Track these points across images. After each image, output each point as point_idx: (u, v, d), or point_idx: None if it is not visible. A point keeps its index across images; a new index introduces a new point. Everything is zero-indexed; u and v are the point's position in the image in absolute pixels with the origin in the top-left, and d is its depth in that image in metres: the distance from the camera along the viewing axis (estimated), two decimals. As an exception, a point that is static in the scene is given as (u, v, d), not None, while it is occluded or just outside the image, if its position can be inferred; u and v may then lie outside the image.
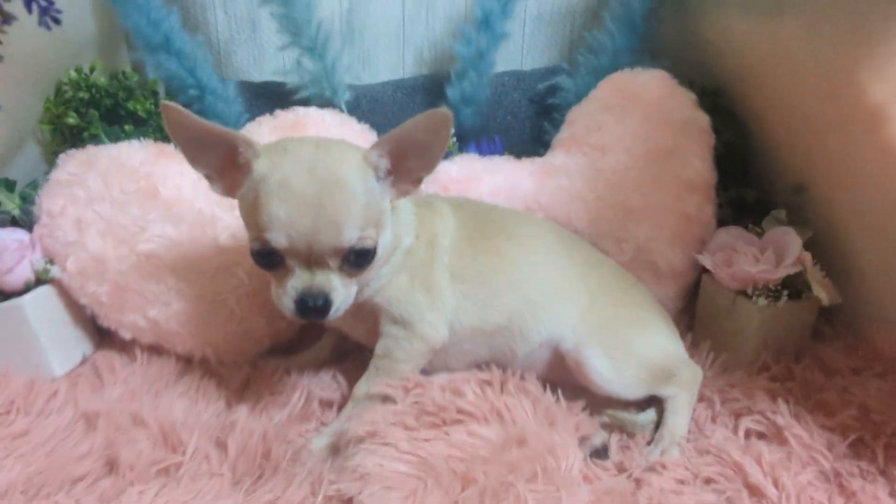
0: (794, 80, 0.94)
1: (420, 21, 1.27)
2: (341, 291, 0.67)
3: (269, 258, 0.66)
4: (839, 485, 0.69)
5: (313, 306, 0.66)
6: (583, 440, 0.74)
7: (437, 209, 0.83)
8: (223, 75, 1.17)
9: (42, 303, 0.85)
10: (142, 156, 0.89)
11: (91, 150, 0.90)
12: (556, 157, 1.00)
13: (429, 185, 0.98)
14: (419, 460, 0.65)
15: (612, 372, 0.77)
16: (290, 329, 0.91)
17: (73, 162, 0.88)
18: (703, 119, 0.97)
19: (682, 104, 0.97)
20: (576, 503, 0.62)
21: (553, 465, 0.65)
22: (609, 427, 0.78)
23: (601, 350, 0.78)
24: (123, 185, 0.85)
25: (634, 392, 0.79)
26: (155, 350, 0.89)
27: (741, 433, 0.77)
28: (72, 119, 1.00)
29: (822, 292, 0.85)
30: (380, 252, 0.71)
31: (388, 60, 1.29)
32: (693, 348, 0.93)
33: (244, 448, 0.70)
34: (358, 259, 0.67)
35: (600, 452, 0.74)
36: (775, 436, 0.76)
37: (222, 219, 0.86)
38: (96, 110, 1.02)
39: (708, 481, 0.70)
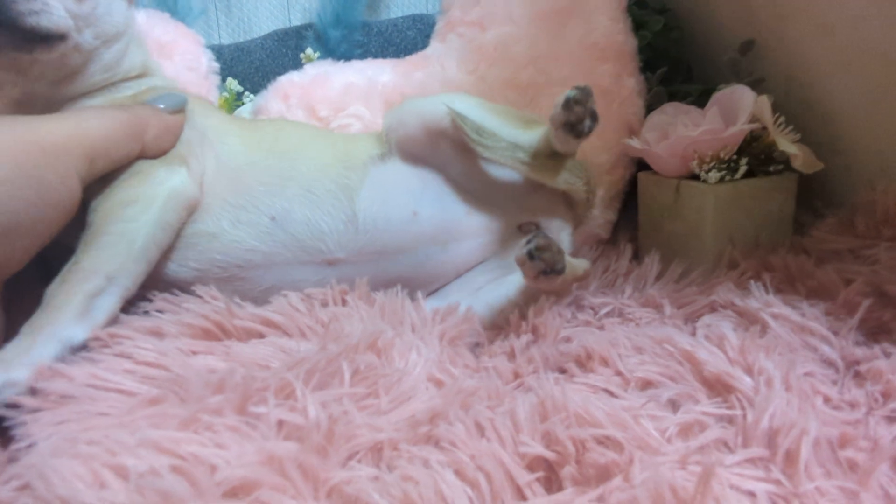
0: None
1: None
2: None
3: None
4: (854, 373, 0.43)
5: None
6: (451, 342, 0.49)
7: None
8: None
9: None
10: None
11: None
12: (429, 49, 0.79)
13: (269, 95, 0.76)
14: (166, 375, 0.40)
15: None
16: None
17: None
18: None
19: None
20: (402, 410, 0.36)
21: (374, 362, 0.40)
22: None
23: None
24: None
25: None
26: None
27: (700, 333, 0.51)
28: None
29: (792, 146, 0.62)
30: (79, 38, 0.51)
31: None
32: (636, 264, 0.68)
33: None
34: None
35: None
36: (749, 324, 0.50)
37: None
38: None
39: (644, 385, 0.44)
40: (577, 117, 0.51)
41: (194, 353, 0.42)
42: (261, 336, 0.46)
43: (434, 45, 0.79)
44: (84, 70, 0.53)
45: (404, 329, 0.47)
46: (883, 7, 0.60)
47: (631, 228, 0.75)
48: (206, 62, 0.77)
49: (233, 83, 0.90)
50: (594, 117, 0.52)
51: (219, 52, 0.98)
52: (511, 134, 0.57)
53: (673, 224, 0.67)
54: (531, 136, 0.57)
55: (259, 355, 0.42)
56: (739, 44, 0.73)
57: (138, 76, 0.57)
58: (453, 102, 0.57)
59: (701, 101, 0.75)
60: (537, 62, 0.70)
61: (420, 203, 0.57)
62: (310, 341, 0.45)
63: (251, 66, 0.99)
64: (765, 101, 0.63)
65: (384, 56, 1.01)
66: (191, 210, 0.52)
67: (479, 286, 0.58)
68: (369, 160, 0.59)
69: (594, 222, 0.72)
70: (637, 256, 0.70)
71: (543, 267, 0.49)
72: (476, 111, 0.58)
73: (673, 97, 0.81)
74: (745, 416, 0.38)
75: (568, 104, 0.51)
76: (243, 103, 0.89)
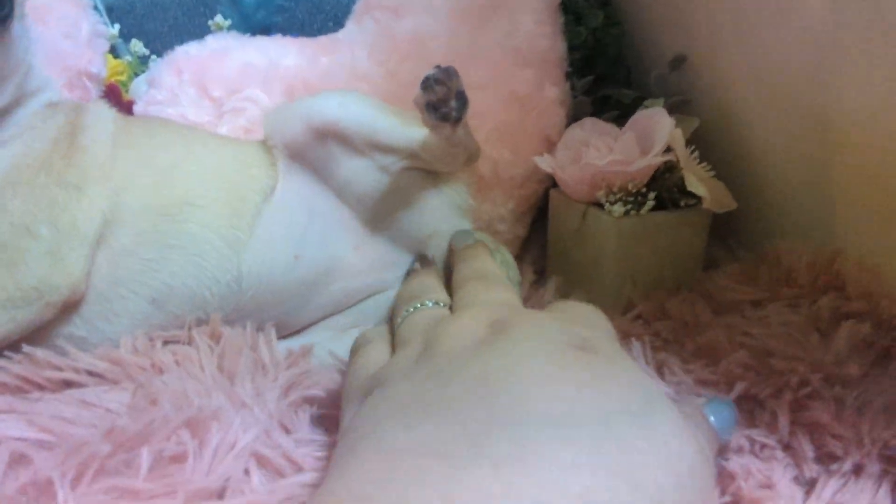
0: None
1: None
2: None
3: None
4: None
5: None
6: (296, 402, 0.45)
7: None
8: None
9: None
10: None
11: None
12: (343, 32, 0.73)
13: (162, 66, 0.70)
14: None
15: None
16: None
17: None
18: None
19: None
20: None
21: (183, 446, 0.36)
22: None
23: None
24: None
25: None
26: None
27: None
28: None
29: (700, 187, 0.58)
30: None
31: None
32: (538, 288, 0.65)
33: None
34: None
35: None
36: (617, 395, 0.47)
37: None
38: None
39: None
40: (438, 97, 0.47)
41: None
42: (64, 385, 0.42)
43: (349, 27, 0.73)
44: None
45: (241, 378, 0.43)
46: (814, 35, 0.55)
47: (541, 247, 0.71)
48: (89, 26, 0.69)
49: (137, 45, 0.83)
50: (461, 98, 0.47)
51: (130, 6, 0.90)
52: (398, 139, 0.51)
53: (578, 252, 0.64)
54: (417, 134, 0.51)
55: (63, 415, 0.38)
56: (671, 59, 0.67)
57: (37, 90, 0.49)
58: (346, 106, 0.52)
59: (633, 109, 0.70)
60: (454, 62, 0.64)
61: (302, 244, 0.51)
62: (125, 391, 0.41)
63: (164, 25, 0.91)
64: (678, 133, 0.59)
65: (311, 25, 0.94)
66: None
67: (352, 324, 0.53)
68: (260, 196, 0.51)
69: (501, 238, 0.68)
70: (543, 279, 0.67)
71: None
72: (366, 114, 0.52)
73: (606, 102, 0.77)
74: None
75: (427, 83, 0.46)
76: (147, 69, 0.82)
